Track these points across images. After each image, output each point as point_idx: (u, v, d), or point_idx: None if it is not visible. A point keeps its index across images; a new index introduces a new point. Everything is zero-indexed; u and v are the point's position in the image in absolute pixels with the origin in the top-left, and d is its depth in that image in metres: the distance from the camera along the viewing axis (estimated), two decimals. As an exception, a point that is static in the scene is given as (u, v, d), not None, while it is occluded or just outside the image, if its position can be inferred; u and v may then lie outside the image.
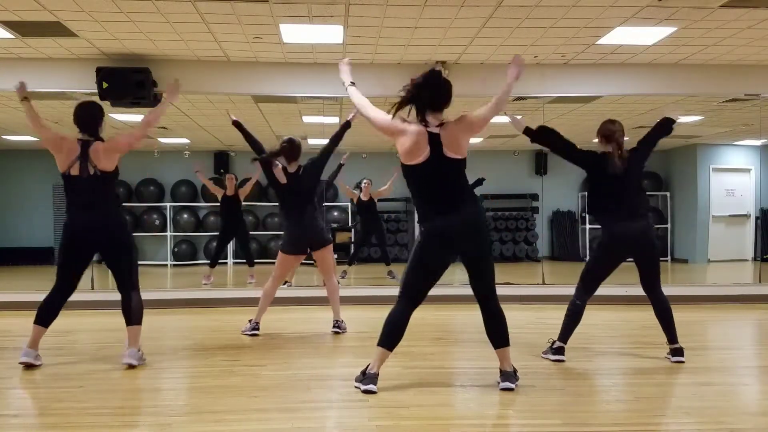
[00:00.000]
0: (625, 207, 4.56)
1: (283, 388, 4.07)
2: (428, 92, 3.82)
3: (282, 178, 5.71)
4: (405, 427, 3.30)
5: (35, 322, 4.48)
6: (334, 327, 5.92)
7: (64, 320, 6.48)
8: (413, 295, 3.94)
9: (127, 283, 4.56)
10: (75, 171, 4.44)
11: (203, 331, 6.20)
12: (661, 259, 15.00)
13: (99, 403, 3.79)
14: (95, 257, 4.75)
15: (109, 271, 4.66)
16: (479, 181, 9.38)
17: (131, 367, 4.44)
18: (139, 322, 4.53)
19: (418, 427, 3.31)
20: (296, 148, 5.78)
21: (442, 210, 3.83)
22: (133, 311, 4.51)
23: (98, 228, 4.46)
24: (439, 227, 3.83)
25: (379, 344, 3.93)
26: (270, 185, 5.92)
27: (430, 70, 3.91)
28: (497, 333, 3.97)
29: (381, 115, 3.94)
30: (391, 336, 3.92)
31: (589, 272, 4.74)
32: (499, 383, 3.93)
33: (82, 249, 4.53)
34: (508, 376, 3.92)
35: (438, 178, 3.83)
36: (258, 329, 5.78)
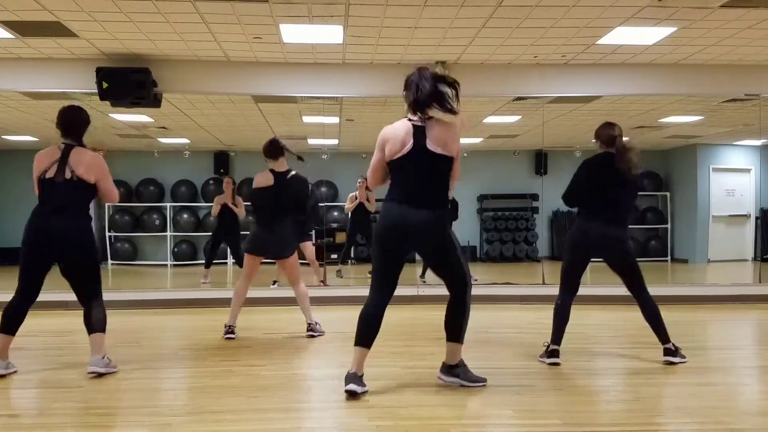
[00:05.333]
0: (611, 211, 4.58)
1: (283, 388, 4.07)
2: (411, 91, 3.81)
3: (269, 180, 5.65)
4: (405, 427, 3.30)
5: (0, 331, 4.27)
6: (308, 330, 5.82)
7: (64, 320, 6.50)
8: (380, 285, 3.92)
9: (90, 294, 4.38)
10: (51, 174, 4.28)
11: (203, 331, 6.20)
12: (662, 259, 14.87)
13: (99, 403, 3.79)
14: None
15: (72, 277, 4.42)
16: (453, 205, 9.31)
17: (98, 375, 4.26)
18: (101, 329, 4.36)
19: (418, 427, 3.31)
20: (267, 147, 5.68)
21: (408, 200, 3.80)
22: (94, 320, 4.34)
23: (64, 236, 4.26)
24: (398, 215, 3.80)
25: (356, 344, 3.88)
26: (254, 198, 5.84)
27: (417, 69, 3.86)
28: (449, 326, 4.03)
29: (375, 159, 3.91)
30: (365, 332, 3.88)
31: (565, 271, 4.77)
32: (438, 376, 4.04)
33: (44, 255, 4.32)
34: (443, 367, 4.04)
35: (416, 171, 3.79)
36: (234, 332, 5.67)
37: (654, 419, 3.46)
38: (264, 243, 5.73)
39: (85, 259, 4.37)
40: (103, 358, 4.36)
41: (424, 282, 8.58)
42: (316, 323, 5.88)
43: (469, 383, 3.97)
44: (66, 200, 4.28)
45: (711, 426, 3.30)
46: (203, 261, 13.60)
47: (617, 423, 3.38)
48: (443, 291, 4.09)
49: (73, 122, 4.42)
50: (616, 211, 4.60)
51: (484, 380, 4.01)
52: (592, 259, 4.78)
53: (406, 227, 3.80)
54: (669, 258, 14.18)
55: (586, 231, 4.64)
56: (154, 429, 3.29)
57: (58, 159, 4.30)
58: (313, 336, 5.79)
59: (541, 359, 4.69)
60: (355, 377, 3.81)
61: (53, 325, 6.18)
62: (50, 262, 4.38)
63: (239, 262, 10.21)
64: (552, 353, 4.64)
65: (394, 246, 3.89)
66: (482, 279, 10.04)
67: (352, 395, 3.75)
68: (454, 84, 3.81)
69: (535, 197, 14.38)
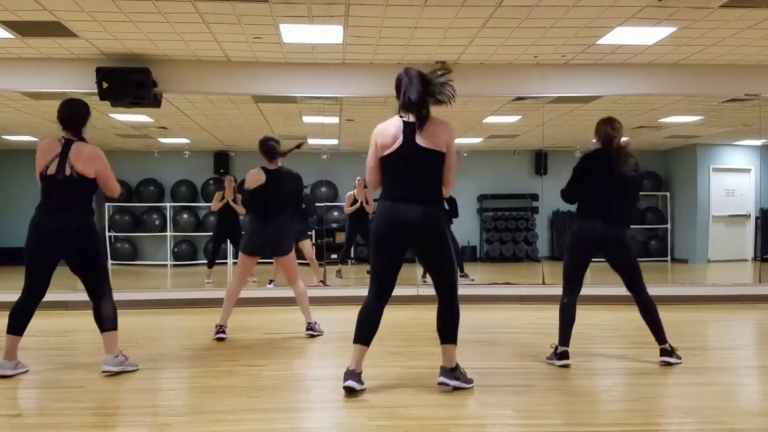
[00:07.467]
0: (609, 209, 4.57)
1: (283, 388, 4.08)
2: (400, 91, 3.85)
3: (261, 179, 5.61)
4: (405, 427, 3.30)
5: (8, 332, 4.27)
6: (307, 330, 5.82)
7: (64, 320, 6.50)
8: (378, 284, 3.92)
9: (98, 291, 4.36)
10: (52, 171, 4.23)
11: (203, 331, 6.19)
12: (662, 259, 14.85)
13: (99, 403, 3.79)
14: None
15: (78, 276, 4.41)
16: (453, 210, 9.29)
17: (111, 374, 4.28)
18: (113, 327, 4.35)
19: (418, 427, 3.31)
20: (261, 147, 5.65)
21: (402, 197, 3.82)
22: (105, 318, 4.32)
23: (67, 233, 4.23)
24: (393, 213, 3.82)
25: (354, 341, 3.89)
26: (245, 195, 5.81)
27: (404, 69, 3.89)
28: (444, 329, 3.95)
29: (370, 157, 3.94)
30: (365, 330, 3.89)
31: (567, 270, 4.76)
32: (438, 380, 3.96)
33: (49, 252, 4.27)
34: (445, 372, 3.94)
35: (406, 166, 3.81)
36: (225, 332, 5.65)
37: (654, 419, 3.47)
38: (260, 241, 5.70)
39: (89, 255, 4.34)
40: (117, 356, 4.35)
41: (425, 282, 8.58)
42: (315, 323, 5.87)
43: (467, 385, 3.96)
44: (67, 198, 4.25)
45: (711, 426, 3.30)
46: (203, 261, 13.69)
47: (617, 423, 3.38)
48: (443, 291, 4.09)
49: (70, 115, 4.36)
50: (614, 209, 4.58)
51: (472, 381, 4.02)
52: (594, 259, 4.77)
53: (403, 224, 3.81)
54: (669, 258, 14.18)
55: (585, 229, 4.64)
56: (154, 429, 3.29)
57: (58, 154, 4.26)
58: (312, 335, 5.78)
59: (549, 361, 4.65)
60: (353, 374, 3.82)
61: (53, 325, 6.18)
62: (55, 261, 4.35)
63: None
64: (562, 355, 4.60)
65: (391, 244, 3.89)
66: (482, 279, 10.03)
67: (350, 392, 3.77)
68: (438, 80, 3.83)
69: (535, 197, 14.37)
